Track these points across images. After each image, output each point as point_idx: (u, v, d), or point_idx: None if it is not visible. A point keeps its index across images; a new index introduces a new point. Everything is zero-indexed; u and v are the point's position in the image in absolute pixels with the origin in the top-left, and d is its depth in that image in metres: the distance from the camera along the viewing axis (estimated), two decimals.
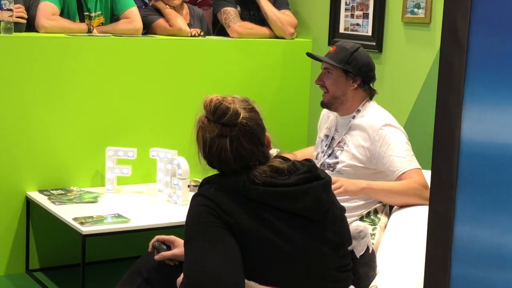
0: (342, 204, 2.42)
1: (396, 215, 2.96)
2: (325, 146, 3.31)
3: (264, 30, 4.70)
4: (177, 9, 4.60)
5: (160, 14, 4.53)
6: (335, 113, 3.31)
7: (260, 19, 4.74)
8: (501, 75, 1.24)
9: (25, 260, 4.02)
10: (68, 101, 4.01)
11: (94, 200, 3.88)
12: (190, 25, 4.60)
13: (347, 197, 3.04)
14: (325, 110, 3.40)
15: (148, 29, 4.49)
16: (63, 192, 3.97)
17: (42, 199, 3.85)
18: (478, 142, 1.28)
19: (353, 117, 3.22)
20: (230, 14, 4.66)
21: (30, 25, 4.18)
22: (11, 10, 3.84)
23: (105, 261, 4.21)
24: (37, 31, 4.14)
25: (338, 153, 3.22)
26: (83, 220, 3.53)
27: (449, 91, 1.28)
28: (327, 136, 3.34)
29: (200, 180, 2.29)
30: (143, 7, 4.78)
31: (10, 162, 3.91)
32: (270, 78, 4.64)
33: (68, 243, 4.02)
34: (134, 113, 4.21)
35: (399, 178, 3.02)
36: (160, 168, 4.00)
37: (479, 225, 1.29)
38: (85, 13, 4.32)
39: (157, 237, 2.55)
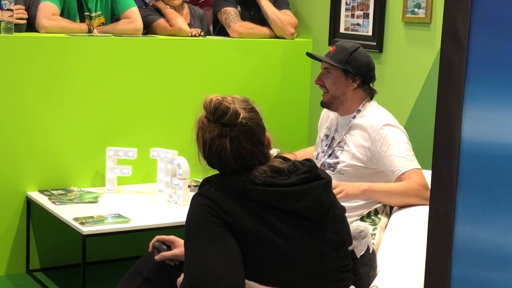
0: (343, 204, 2.42)
1: (397, 215, 2.96)
2: (325, 146, 3.30)
3: (264, 30, 4.70)
4: (178, 9, 4.60)
5: (161, 14, 4.53)
6: (336, 113, 3.31)
7: (260, 19, 4.74)
8: (501, 75, 1.24)
9: (26, 260, 4.02)
10: (68, 101, 4.01)
11: (94, 200, 3.88)
12: (190, 25, 4.60)
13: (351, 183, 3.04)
14: (325, 110, 3.40)
15: (148, 29, 4.49)
16: (63, 192, 3.97)
17: (42, 199, 3.85)
18: (478, 142, 1.27)
19: (354, 117, 3.22)
20: (231, 14, 4.66)
21: (31, 25, 4.17)
22: (11, 10, 3.84)
23: (105, 261, 4.21)
24: (37, 31, 4.14)
25: (338, 153, 3.22)
26: (84, 220, 3.53)
27: (449, 91, 1.28)
28: (327, 136, 3.34)
29: (201, 180, 2.29)
30: (144, 7, 4.78)
31: (11, 162, 3.91)
32: (270, 78, 4.64)
33: (68, 243, 4.02)
34: (135, 113, 4.21)
35: (399, 178, 3.02)
36: (161, 168, 4.00)
37: (479, 225, 1.29)
38: (85, 13, 4.32)
39: (157, 237, 2.55)
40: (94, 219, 3.57)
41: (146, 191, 4.13)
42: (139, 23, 4.32)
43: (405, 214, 2.93)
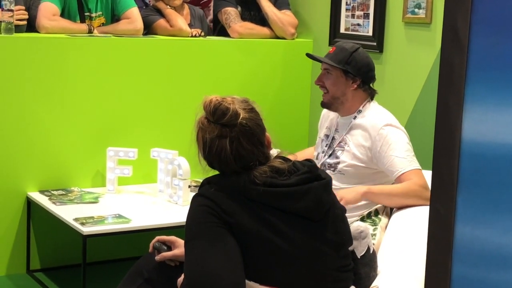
0: (343, 193, 2.42)
1: (397, 215, 2.96)
2: (325, 146, 3.30)
3: (264, 30, 4.70)
4: (178, 9, 4.60)
5: (161, 14, 4.53)
6: (336, 113, 3.31)
7: (260, 19, 4.74)
8: (501, 75, 1.24)
9: (26, 260, 4.02)
10: (68, 101, 4.01)
11: (94, 201, 3.88)
12: (190, 25, 4.60)
13: (350, 188, 3.04)
14: (325, 110, 3.40)
15: (148, 29, 4.49)
16: (63, 193, 3.97)
17: (42, 200, 3.85)
18: (478, 142, 1.27)
19: (354, 118, 3.22)
20: (231, 14, 4.66)
21: (31, 26, 4.17)
22: (11, 10, 3.84)
23: (105, 262, 4.21)
24: (37, 32, 4.14)
25: (339, 153, 3.22)
26: (84, 221, 3.53)
27: (449, 91, 1.28)
28: (327, 136, 3.34)
29: (201, 181, 2.29)
30: (144, 7, 4.78)
31: (11, 163, 3.91)
32: (270, 78, 4.64)
33: (68, 243, 4.02)
34: (135, 113, 4.21)
35: (398, 178, 3.02)
36: (161, 168, 4.00)
37: (480, 226, 1.29)
38: (85, 14, 4.32)
39: (157, 237, 2.55)
40: (95, 219, 3.58)
41: (147, 191, 4.13)
42: (139, 24, 4.32)
43: (406, 214, 2.93)
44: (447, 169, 1.29)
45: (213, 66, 4.42)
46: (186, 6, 4.73)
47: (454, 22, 1.26)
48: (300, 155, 3.27)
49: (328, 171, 3.16)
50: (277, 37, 4.71)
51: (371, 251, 2.48)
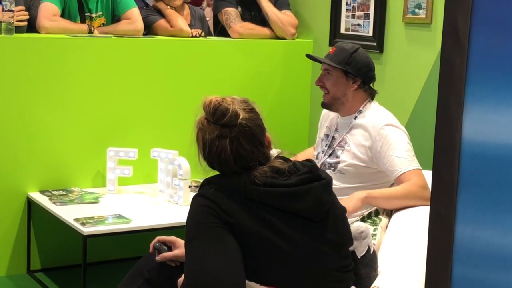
0: (344, 200, 2.42)
1: (397, 215, 2.96)
2: (325, 146, 3.30)
3: (265, 30, 4.70)
4: (178, 9, 4.60)
5: (161, 14, 4.53)
6: (336, 113, 3.31)
7: (261, 19, 4.74)
8: (502, 75, 1.24)
9: (26, 260, 4.02)
10: (69, 101, 4.01)
11: (95, 201, 3.88)
12: (191, 25, 4.61)
13: (349, 197, 3.04)
14: (325, 110, 3.40)
15: (149, 29, 4.49)
16: (64, 193, 3.97)
17: (43, 200, 3.85)
18: (479, 143, 1.27)
19: (355, 118, 3.22)
20: (231, 14, 4.66)
21: (31, 26, 4.17)
22: (12, 11, 3.84)
23: (106, 262, 4.21)
24: (38, 32, 4.14)
25: (339, 152, 3.22)
26: (84, 221, 3.53)
27: (450, 91, 1.28)
28: (327, 135, 3.34)
29: (201, 181, 2.29)
30: (144, 7, 4.78)
31: (11, 163, 3.91)
32: (271, 78, 4.64)
33: (69, 243, 4.02)
34: (135, 113, 4.21)
35: (398, 178, 3.02)
36: (161, 168, 4.00)
37: (480, 226, 1.29)
38: (86, 14, 4.32)
39: (158, 238, 2.55)
40: (95, 219, 3.58)
41: (147, 191, 4.13)
42: (139, 24, 4.32)
43: (406, 214, 2.93)
44: (447, 169, 1.29)
45: (213, 67, 4.42)
46: (186, 6, 4.74)
47: (455, 22, 1.26)
48: (301, 156, 3.27)
49: (328, 171, 3.16)
50: (277, 38, 4.71)
51: (371, 252, 2.48)
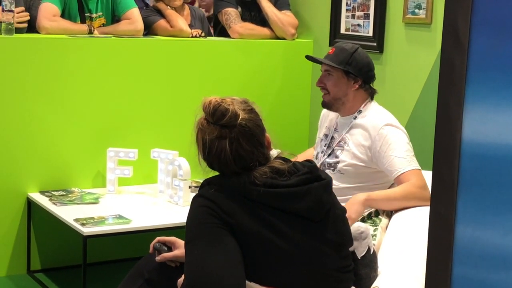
0: (343, 205, 2.41)
1: (397, 216, 2.96)
2: (325, 146, 3.30)
3: (265, 30, 4.70)
4: (178, 10, 4.60)
5: (161, 15, 4.53)
6: (336, 113, 3.31)
7: (261, 19, 4.74)
8: (502, 75, 1.24)
9: (26, 261, 4.02)
10: (69, 102, 4.01)
11: (95, 201, 3.88)
12: (191, 26, 4.61)
13: (349, 197, 3.04)
14: (325, 109, 3.40)
15: (149, 30, 4.49)
16: (64, 193, 3.97)
17: (43, 200, 3.85)
18: (479, 143, 1.27)
19: (355, 118, 3.22)
20: (231, 15, 4.66)
21: (31, 26, 4.17)
22: (12, 11, 3.84)
23: (106, 262, 4.21)
24: (38, 32, 4.14)
25: (338, 152, 3.22)
26: (84, 221, 3.53)
27: (450, 91, 1.28)
28: (326, 135, 3.34)
29: (201, 181, 2.29)
30: (144, 8, 4.78)
31: (11, 163, 3.91)
32: (271, 78, 4.64)
33: (69, 244, 4.02)
34: (135, 114, 4.21)
35: (398, 178, 3.02)
36: (161, 169, 3.99)
37: (480, 226, 1.29)
38: (86, 14, 4.32)
39: (158, 238, 2.55)
40: (95, 220, 3.57)
41: (147, 192, 4.13)
42: (139, 24, 4.32)
43: (406, 215, 2.93)
44: (447, 169, 1.29)
45: (213, 67, 4.42)
46: (186, 6, 4.74)
47: (455, 23, 1.26)
48: (301, 157, 3.27)
49: (327, 171, 3.15)
50: (278, 38, 4.71)
51: (371, 252, 2.48)
